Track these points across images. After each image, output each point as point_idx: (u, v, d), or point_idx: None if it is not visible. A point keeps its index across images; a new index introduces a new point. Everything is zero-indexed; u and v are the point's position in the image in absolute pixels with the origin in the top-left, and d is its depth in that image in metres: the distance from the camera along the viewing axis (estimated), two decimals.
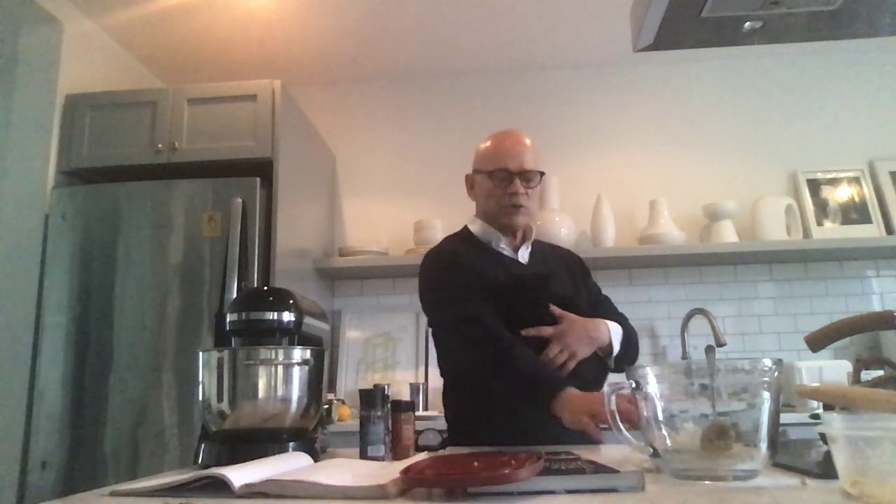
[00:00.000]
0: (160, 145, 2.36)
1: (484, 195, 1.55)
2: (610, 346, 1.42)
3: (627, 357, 1.46)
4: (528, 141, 1.55)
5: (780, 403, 0.78)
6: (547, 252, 1.63)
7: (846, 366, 2.35)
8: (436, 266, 1.51)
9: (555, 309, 1.39)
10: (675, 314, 2.79)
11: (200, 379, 1.03)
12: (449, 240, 1.62)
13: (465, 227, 1.62)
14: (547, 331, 1.36)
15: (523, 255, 1.55)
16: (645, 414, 0.82)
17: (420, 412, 2.40)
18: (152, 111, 2.41)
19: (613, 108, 3.08)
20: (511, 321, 1.37)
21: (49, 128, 2.35)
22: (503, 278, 1.43)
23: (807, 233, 2.76)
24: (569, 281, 1.55)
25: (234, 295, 2.05)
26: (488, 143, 1.57)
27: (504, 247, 1.54)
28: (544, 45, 2.93)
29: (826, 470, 0.73)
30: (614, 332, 1.43)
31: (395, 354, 2.83)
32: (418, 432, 1.20)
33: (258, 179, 2.24)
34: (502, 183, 1.49)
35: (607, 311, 1.55)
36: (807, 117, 2.99)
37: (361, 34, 2.79)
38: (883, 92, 2.98)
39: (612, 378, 1.18)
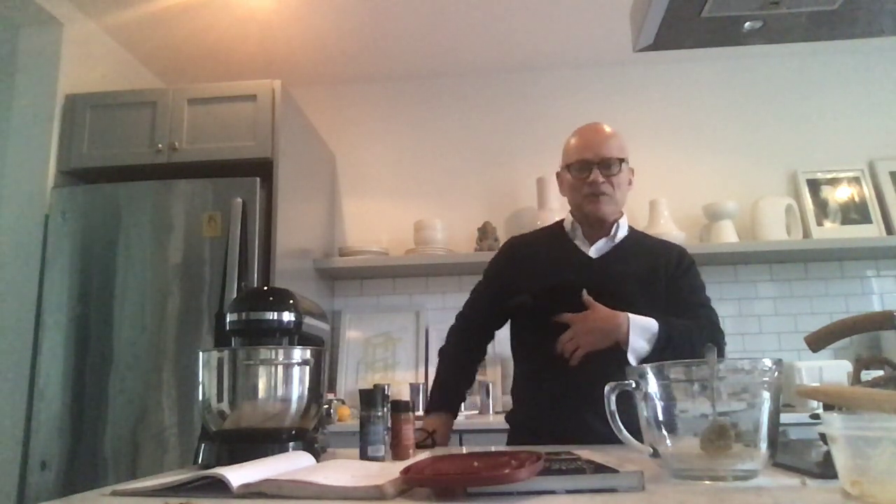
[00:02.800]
0: (160, 145, 2.36)
1: (569, 189, 1.58)
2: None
3: (665, 358, 1.37)
4: (608, 130, 1.55)
5: (780, 403, 0.78)
6: (634, 245, 1.57)
7: (846, 366, 2.35)
8: (494, 255, 1.69)
9: (586, 298, 1.39)
10: None
11: (200, 379, 1.03)
12: (537, 230, 1.74)
13: (562, 219, 1.67)
14: (564, 317, 1.39)
15: (596, 250, 1.54)
16: (645, 414, 0.82)
17: (420, 412, 2.40)
18: (152, 111, 2.41)
19: (613, 108, 3.08)
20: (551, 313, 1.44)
21: (49, 128, 2.35)
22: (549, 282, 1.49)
23: (807, 233, 2.76)
24: (641, 278, 1.49)
25: (234, 295, 2.05)
26: (571, 138, 1.59)
27: (581, 239, 1.55)
28: (544, 45, 2.93)
29: (826, 470, 0.73)
30: (637, 328, 1.36)
31: (395, 354, 2.83)
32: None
33: (258, 179, 2.24)
34: (581, 174, 1.51)
35: (685, 312, 1.46)
36: (807, 117, 2.99)
37: (361, 34, 2.79)
38: (883, 92, 2.98)
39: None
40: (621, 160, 1.51)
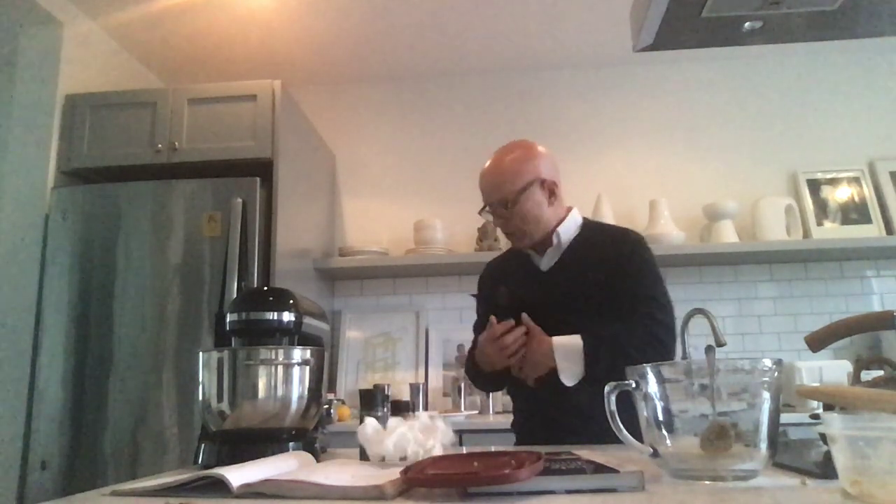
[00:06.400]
0: (160, 145, 2.36)
1: None
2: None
3: (601, 371, 1.31)
4: (499, 166, 1.51)
5: (780, 403, 0.78)
6: (585, 244, 1.52)
7: (846, 366, 2.35)
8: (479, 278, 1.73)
9: (526, 320, 1.40)
10: (675, 314, 2.78)
11: (200, 379, 1.03)
12: (507, 251, 1.75)
13: None
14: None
15: (546, 263, 1.54)
16: (645, 414, 0.81)
17: (420, 412, 2.40)
18: (152, 111, 2.41)
19: (613, 108, 3.08)
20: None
21: (49, 128, 2.35)
22: (499, 300, 1.53)
23: (807, 233, 2.76)
24: (590, 281, 1.45)
25: (234, 295, 2.05)
26: None
27: (534, 254, 1.57)
28: (544, 45, 2.93)
29: (826, 470, 0.73)
30: (560, 352, 1.35)
31: (395, 354, 2.83)
32: None
33: (258, 179, 2.24)
34: (489, 216, 1.57)
35: (636, 306, 1.41)
36: (807, 117, 2.99)
37: (361, 34, 2.79)
38: (883, 92, 2.98)
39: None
40: (508, 201, 1.46)
